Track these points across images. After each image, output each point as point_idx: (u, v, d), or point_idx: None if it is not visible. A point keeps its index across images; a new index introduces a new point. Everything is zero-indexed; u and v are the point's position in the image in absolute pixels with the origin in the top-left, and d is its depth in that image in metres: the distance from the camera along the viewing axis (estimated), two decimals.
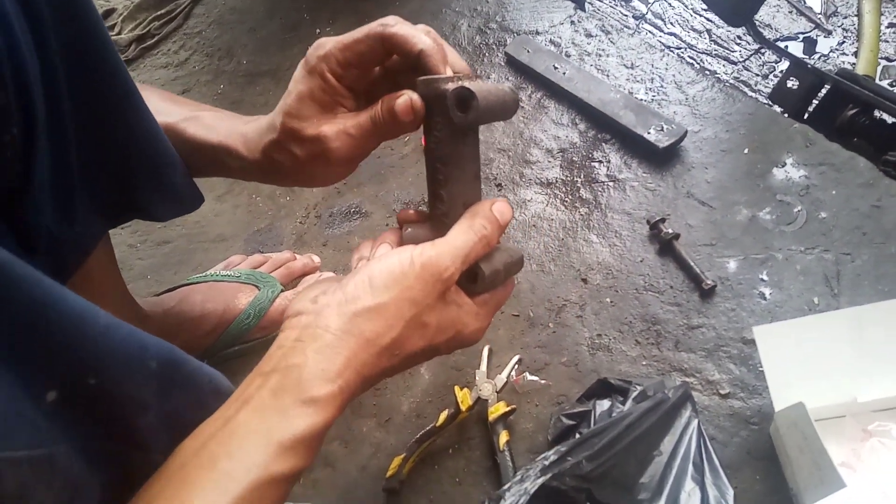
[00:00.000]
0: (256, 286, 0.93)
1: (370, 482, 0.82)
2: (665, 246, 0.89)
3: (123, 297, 0.81)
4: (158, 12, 1.51)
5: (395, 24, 0.51)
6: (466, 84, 0.48)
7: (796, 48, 1.22)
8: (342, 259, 1.02)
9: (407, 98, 0.50)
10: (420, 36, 0.50)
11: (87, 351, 0.37)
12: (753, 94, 1.14)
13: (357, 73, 0.54)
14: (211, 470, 0.39)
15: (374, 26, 0.51)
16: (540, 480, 0.59)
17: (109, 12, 1.57)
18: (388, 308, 0.47)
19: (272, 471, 0.41)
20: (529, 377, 0.84)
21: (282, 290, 0.94)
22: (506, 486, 0.61)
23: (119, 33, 1.51)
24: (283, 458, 0.42)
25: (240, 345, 0.92)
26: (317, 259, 1.00)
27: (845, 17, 1.20)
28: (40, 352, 0.35)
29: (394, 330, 0.47)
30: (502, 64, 1.13)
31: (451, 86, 0.48)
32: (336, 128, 0.55)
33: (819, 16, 1.20)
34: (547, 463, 0.61)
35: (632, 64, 1.07)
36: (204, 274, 0.97)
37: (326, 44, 0.53)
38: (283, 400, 0.44)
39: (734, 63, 1.18)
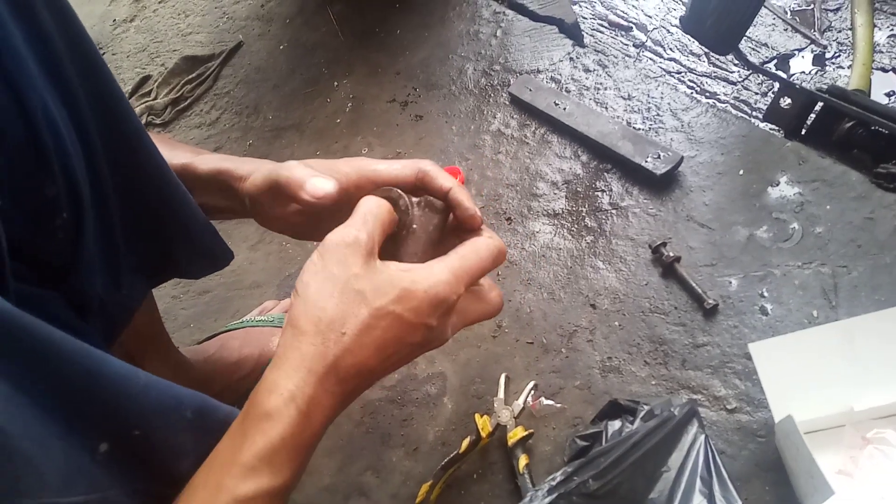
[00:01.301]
0: None
1: None
2: (668, 269, 0.93)
3: (168, 348, 0.89)
4: (190, 76, 1.62)
5: (431, 168, 0.57)
6: None
7: (798, 64, 1.25)
8: None
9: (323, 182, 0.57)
10: (450, 179, 0.56)
11: (130, 407, 0.44)
12: (754, 113, 1.17)
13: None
14: (191, 501, 0.45)
15: (412, 163, 0.58)
16: (547, 500, 0.64)
17: (146, 79, 1.69)
18: (311, 293, 0.48)
19: (239, 492, 0.44)
20: (545, 402, 0.89)
21: None
22: None
23: (155, 98, 1.63)
24: (249, 478, 0.44)
25: None
26: None
27: (839, 31, 1.23)
28: (92, 411, 0.42)
29: (322, 310, 0.47)
30: (507, 104, 1.19)
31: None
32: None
33: (814, 32, 1.24)
34: (553, 483, 0.66)
35: (629, 95, 1.12)
36: (241, 321, 1.04)
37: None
38: (245, 422, 0.47)
39: (733, 83, 1.22)
